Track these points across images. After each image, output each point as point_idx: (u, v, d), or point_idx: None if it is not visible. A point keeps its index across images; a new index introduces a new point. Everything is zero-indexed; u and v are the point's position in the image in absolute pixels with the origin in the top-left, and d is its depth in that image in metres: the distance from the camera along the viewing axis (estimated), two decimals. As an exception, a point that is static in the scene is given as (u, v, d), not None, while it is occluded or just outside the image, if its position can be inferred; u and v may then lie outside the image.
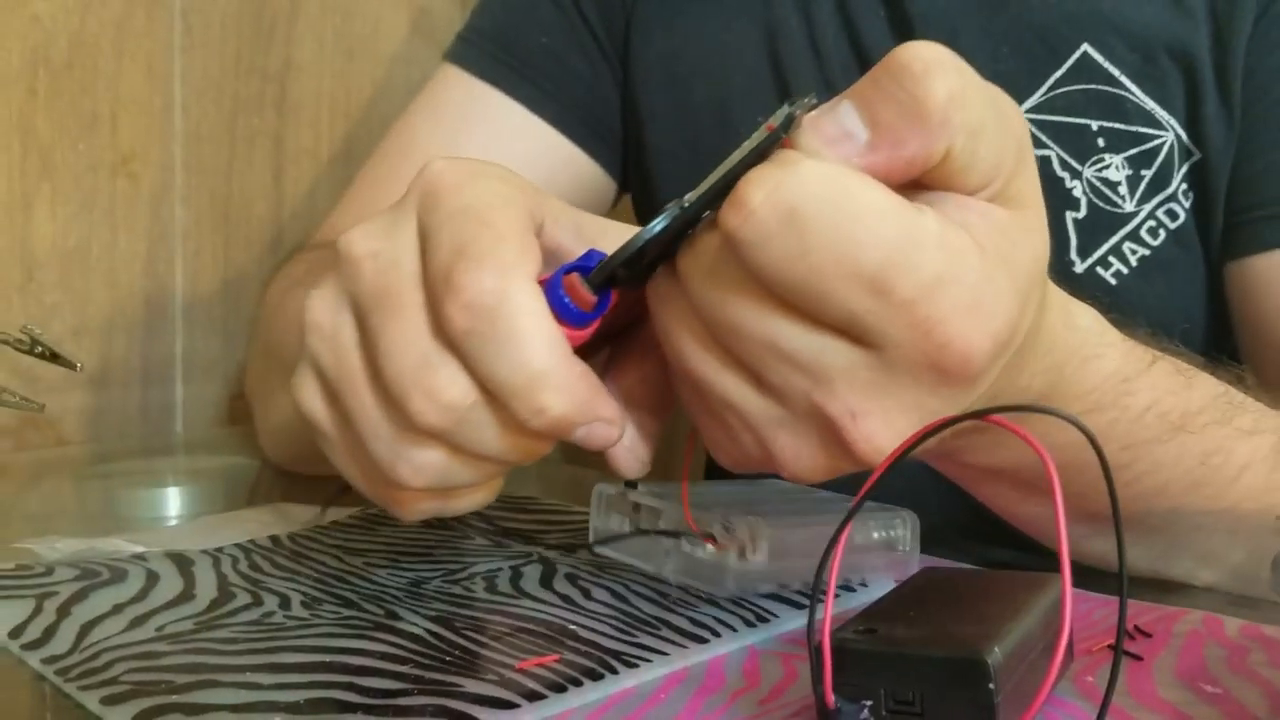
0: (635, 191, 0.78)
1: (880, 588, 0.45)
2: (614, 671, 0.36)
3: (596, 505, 0.45)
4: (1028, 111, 0.63)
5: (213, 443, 0.83)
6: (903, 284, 0.30)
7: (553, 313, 0.33)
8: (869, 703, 0.30)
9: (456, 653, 0.38)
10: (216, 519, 0.56)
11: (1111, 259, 0.63)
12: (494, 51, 0.74)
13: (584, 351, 0.35)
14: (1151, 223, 0.63)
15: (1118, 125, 0.62)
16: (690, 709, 0.34)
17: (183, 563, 0.47)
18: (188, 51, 0.83)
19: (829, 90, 0.38)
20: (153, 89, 0.81)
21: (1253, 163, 0.61)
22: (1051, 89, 0.63)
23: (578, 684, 0.35)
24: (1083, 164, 0.63)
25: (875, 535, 0.45)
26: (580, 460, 0.75)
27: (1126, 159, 0.63)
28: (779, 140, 0.31)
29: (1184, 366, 0.45)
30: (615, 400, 0.36)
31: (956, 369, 0.32)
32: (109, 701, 0.33)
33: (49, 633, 0.39)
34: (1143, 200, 0.63)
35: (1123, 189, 0.63)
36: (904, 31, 0.66)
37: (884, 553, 0.45)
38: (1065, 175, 0.63)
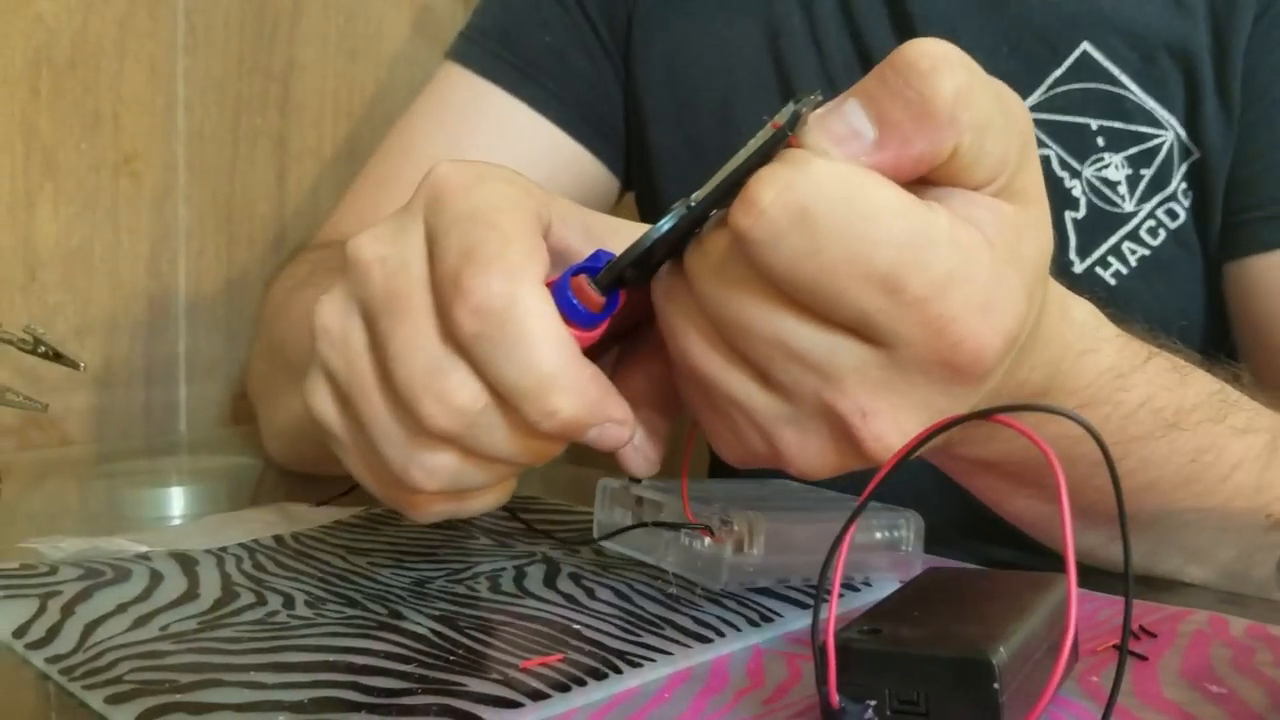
0: (638, 189, 0.78)
1: (884, 587, 0.45)
2: (618, 671, 0.36)
3: (600, 499, 0.45)
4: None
5: (216, 442, 0.83)
6: (915, 282, 0.30)
7: (561, 315, 0.33)
8: (873, 702, 0.30)
9: (460, 652, 0.38)
10: (220, 518, 0.56)
11: (1111, 259, 0.63)
12: (496, 50, 0.74)
13: (592, 352, 0.35)
14: (1151, 222, 0.63)
15: (1117, 124, 0.62)
16: (694, 709, 0.34)
17: (187, 562, 0.47)
18: (191, 51, 0.83)
19: (831, 88, 0.38)
20: (156, 88, 0.81)
21: (1252, 163, 0.61)
22: (1051, 88, 0.63)
23: (581, 683, 0.35)
24: (1082, 163, 0.63)
25: (878, 535, 0.45)
26: (582, 460, 0.75)
27: (1126, 158, 0.62)
28: (785, 139, 0.31)
29: (1179, 363, 0.45)
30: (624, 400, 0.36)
31: (968, 367, 0.32)
32: (113, 701, 0.33)
33: (53, 632, 0.39)
34: (1142, 200, 0.62)
35: (1122, 188, 0.62)
36: (905, 30, 0.66)
37: (887, 552, 0.45)
38: (1065, 175, 0.63)
